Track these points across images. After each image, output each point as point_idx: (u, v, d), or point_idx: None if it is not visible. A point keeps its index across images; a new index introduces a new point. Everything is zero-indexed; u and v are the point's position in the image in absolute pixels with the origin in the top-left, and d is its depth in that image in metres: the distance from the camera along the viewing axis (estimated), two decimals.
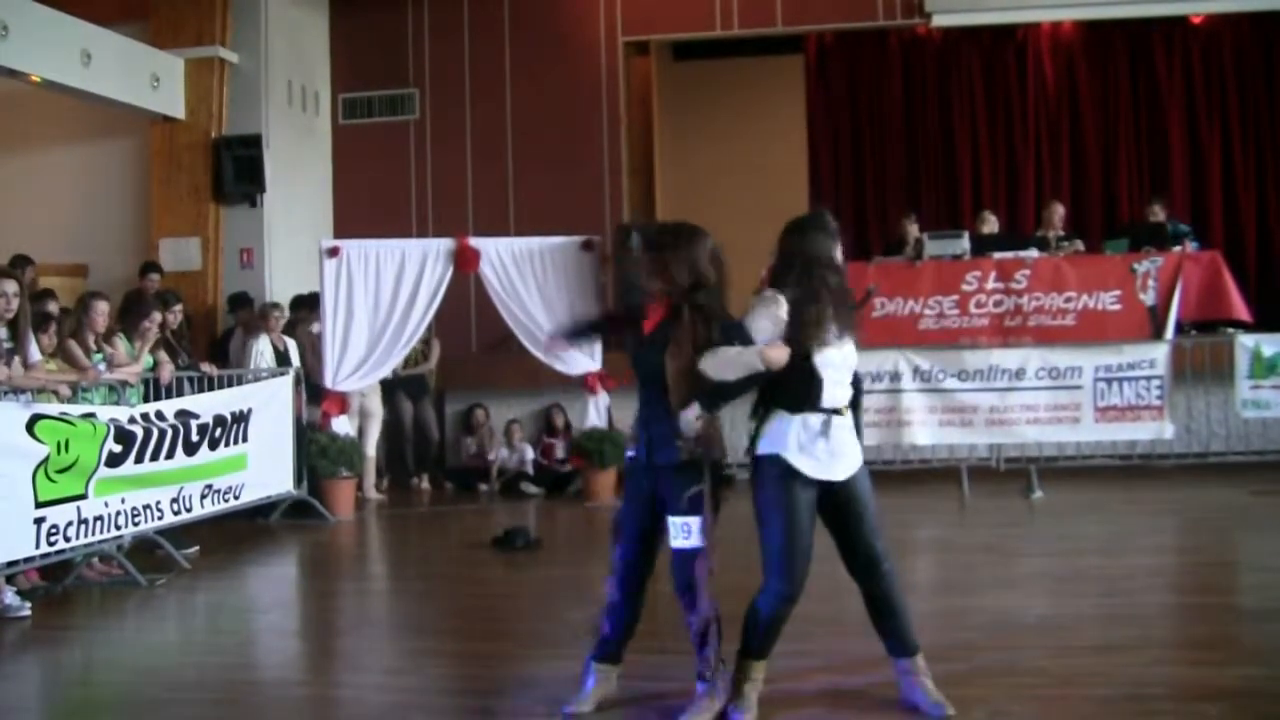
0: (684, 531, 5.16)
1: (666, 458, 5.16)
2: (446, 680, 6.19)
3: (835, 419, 5.15)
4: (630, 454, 5.42)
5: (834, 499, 5.19)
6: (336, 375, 12.01)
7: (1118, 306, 12.50)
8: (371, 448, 12.77)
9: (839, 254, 5.39)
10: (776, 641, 5.28)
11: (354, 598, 8.75)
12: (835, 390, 5.17)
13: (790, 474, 5.10)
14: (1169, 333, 12.32)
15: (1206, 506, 10.95)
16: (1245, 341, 12.00)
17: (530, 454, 13.35)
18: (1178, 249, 12.81)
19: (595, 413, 12.54)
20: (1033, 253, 12.81)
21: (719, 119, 16.95)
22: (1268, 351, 11.87)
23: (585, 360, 12.50)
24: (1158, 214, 13.82)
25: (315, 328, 12.49)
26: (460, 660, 6.55)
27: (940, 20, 15.07)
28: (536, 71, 15.37)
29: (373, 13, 15.67)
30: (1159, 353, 12.04)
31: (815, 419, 5.11)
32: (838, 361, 5.18)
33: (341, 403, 12.08)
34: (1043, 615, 6.86)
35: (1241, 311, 12.53)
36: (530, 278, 12.45)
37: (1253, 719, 5.18)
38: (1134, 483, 11.93)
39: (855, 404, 5.31)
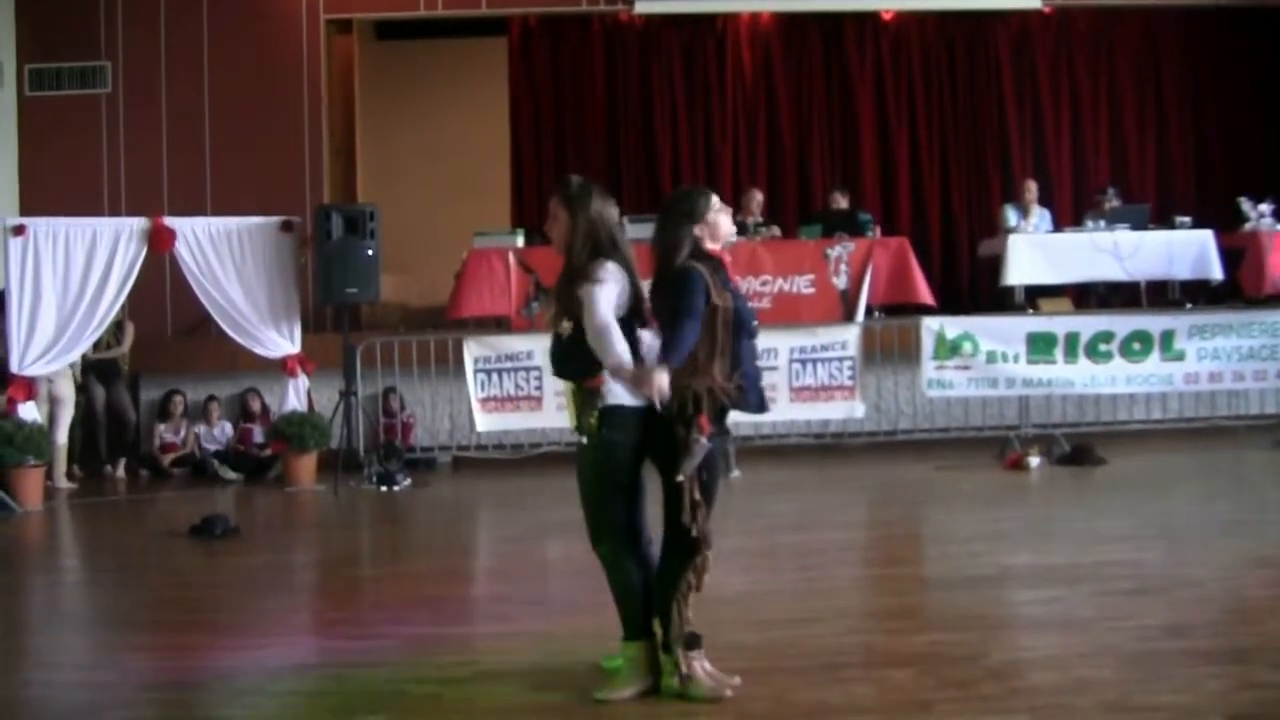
0: None
1: None
2: (143, 674, 6.02)
3: None
4: None
5: None
6: (23, 359, 11.54)
7: (812, 290, 12.95)
8: (62, 435, 12.27)
9: None
10: None
11: (44, 591, 8.41)
12: None
13: None
14: (859, 315, 12.82)
15: (894, 482, 11.46)
16: (930, 324, 12.43)
17: (229, 430, 13.13)
18: (870, 235, 13.34)
19: (295, 396, 12.36)
20: (731, 238, 13.11)
21: (422, 99, 16.87)
22: (950, 333, 12.35)
23: (284, 343, 12.32)
24: (839, 201, 14.37)
25: None
26: (157, 653, 6.37)
27: (642, 7, 15.35)
28: (235, 47, 14.90)
29: None
30: (850, 335, 12.46)
31: None
32: None
33: (28, 388, 11.60)
34: (741, 591, 7.04)
35: (926, 296, 13.15)
36: (228, 259, 12.17)
37: (939, 681, 5.47)
38: (827, 461, 12.36)
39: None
